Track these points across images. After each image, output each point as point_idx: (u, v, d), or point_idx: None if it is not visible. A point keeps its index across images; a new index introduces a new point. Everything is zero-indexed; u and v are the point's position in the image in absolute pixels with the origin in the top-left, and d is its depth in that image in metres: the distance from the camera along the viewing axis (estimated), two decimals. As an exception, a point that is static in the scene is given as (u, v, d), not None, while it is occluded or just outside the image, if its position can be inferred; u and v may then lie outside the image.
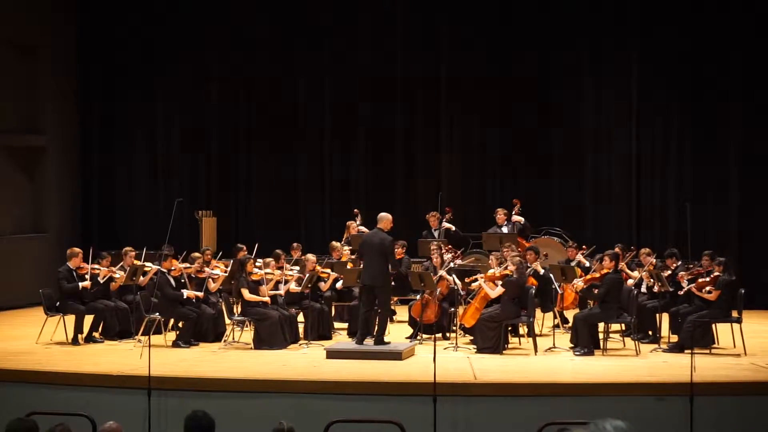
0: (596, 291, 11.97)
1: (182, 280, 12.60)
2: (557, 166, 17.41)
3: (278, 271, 12.77)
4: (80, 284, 12.69)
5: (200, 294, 12.68)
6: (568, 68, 17.29)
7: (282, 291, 12.72)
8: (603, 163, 17.27)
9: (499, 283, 11.98)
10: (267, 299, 12.22)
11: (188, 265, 12.77)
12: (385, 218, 11.96)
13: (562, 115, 17.37)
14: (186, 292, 12.52)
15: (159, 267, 12.67)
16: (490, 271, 12.35)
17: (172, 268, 12.62)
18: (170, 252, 13.00)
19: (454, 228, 15.35)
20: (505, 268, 12.08)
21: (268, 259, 12.84)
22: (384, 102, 17.89)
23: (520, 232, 15.17)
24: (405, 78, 17.82)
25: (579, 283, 12.31)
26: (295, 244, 14.59)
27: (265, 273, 12.48)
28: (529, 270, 12.80)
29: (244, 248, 13.74)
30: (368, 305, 11.74)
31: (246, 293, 12.25)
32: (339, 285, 13.47)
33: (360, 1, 17.88)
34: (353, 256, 13.74)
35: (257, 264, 12.73)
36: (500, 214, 15.23)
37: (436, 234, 15.08)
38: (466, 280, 12.57)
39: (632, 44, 16.97)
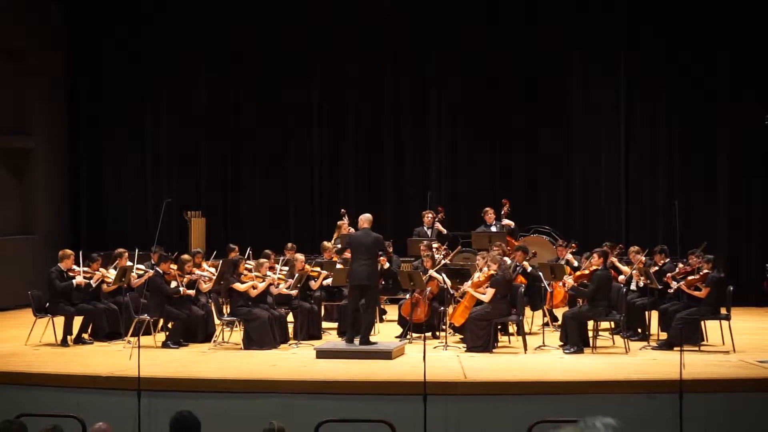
0: (584, 282, 11.98)
1: (176, 285, 12.59)
2: (546, 165, 17.44)
3: (269, 272, 12.75)
4: (74, 281, 12.67)
5: (191, 292, 12.69)
6: (557, 68, 17.32)
7: (270, 298, 12.66)
8: (592, 161, 17.30)
9: (487, 285, 11.97)
10: (258, 285, 12.23)
11: (180, 272, 12.74)
12: (369, 218, 12.05)
13: (551, 115, 17.40)
14: (181, 289, 12.54)
15: (156, 269, 12.64)
16: (476, 277, 12.29)
17: (168, 271, 12.59)
18: (168, 255, 12.94)
19: (445, 231, 15.35)
20: (489, 269, 12.07)
21: (262, 260, 12.82)
22: (372, 102, 17.88)
23: (510, 232, 15.19)
24: (393, 78, 17.82)
25: (568, 280, 12.35)
26: (289, 245, 14.53)
27: (255, 276, 12.45)
28: (518, 268, 12.83)
29: (236, 248, 13.73)
30: (356, 305, 11.75)
31: (239, 286, 12.23)
32: (327, 282, 13.41)
33: (348, 0, 17.88)
34: (345, 255, 13.68)
35: (248, 266, 12.70)
36: (489, 213, 15.24)
37: (429, 233, 15.07)
38: (455, 295, 12.53)
39: (620, 44, 17.02)
